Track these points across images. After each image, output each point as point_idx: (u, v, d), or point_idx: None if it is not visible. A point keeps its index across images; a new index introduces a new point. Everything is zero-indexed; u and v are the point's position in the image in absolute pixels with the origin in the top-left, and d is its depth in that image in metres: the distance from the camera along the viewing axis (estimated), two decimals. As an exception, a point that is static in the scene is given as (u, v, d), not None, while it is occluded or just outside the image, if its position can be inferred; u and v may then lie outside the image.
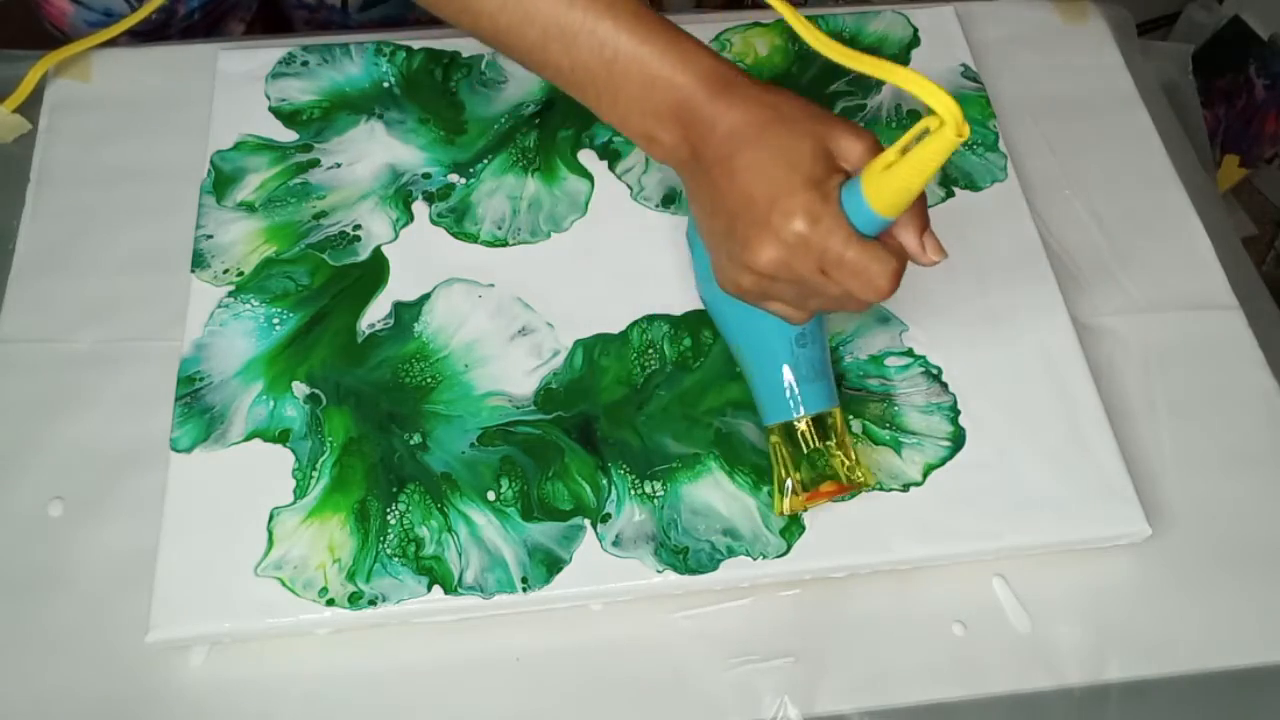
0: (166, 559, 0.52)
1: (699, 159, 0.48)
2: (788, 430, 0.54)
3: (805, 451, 0.53)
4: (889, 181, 0.44)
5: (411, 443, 0.56)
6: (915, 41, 0.73)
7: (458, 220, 0.64)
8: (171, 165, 0.66)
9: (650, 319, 0.60)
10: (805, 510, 0.54)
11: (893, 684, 0.52)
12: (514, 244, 0.63)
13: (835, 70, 0.71)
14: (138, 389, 0.58)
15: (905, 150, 0.43)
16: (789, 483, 0.53)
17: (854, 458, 0.54)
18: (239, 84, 0.68)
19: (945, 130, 0.42)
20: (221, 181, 0.64)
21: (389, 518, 0.53)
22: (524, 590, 0.52)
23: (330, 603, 0.51)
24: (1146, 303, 0.65)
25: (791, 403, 0.53)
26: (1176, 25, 1.49)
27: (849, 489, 0.54)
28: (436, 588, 0.52)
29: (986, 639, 0.54)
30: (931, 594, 0.55)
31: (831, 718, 0.51)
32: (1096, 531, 0.55)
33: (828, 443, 0.53)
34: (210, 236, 0.62)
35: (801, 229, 0.45)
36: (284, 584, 0.51)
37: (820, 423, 0.54)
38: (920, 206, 0.47)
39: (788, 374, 0.53)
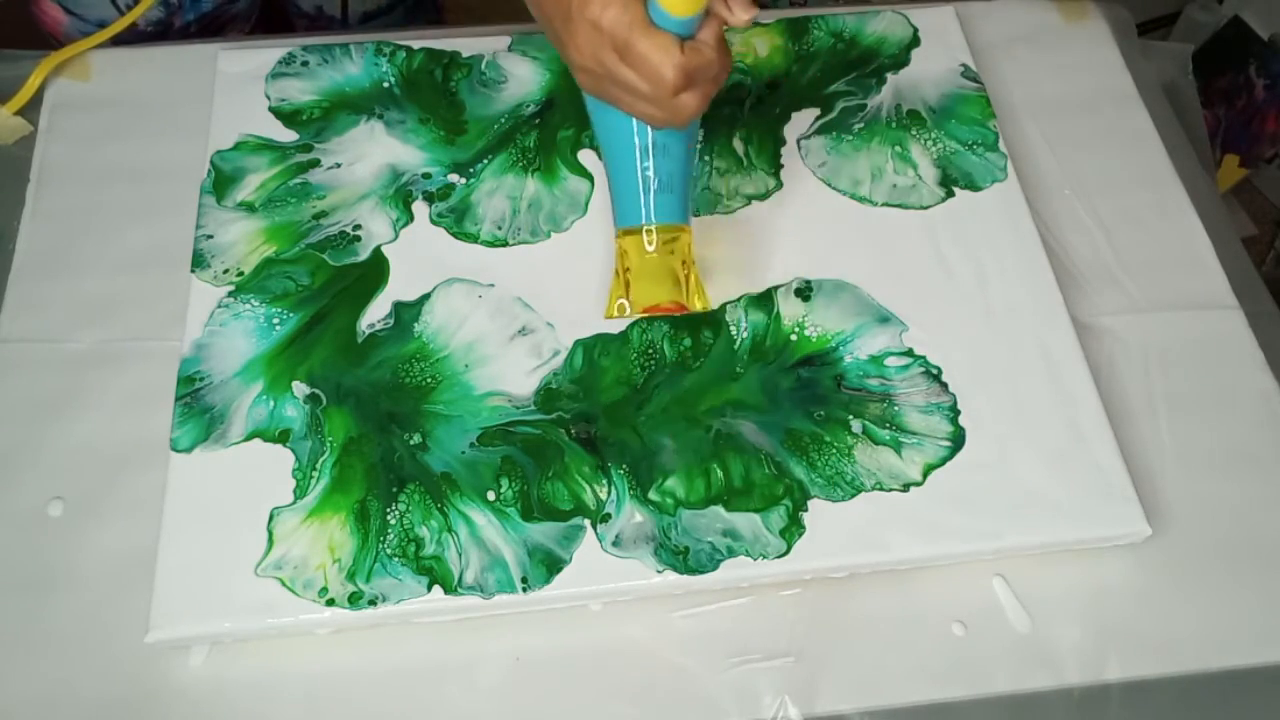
0: (166, 559, 0.52)
1: None
2: (633, 237, 0.55)
3: (645, 259, 0.55)
4: None
5: (411, 443, 0.56)
6: (915, 41, 0.73)
7: (458, 220, 0.64)
8: (171, 165, 0.66)
9: (650, 319, 0.60)
10: (629, 316, 0.56)
11: (893, 684, 0.52)
12: (514, 244, 0.63)
13: (835, 70, 0.71)
14: (138, 389, 0.58)
15: None
16: (624, 289, 0.55)
17: (694, 281, 0.55)
18: (239, 84, 0.68)
19: None
20: (221, 181, 0.64)
21: (389, 518, 0.53)
22: (524, 590, 0.52)
23: (330, 603, 0.51)
24: (1146, 303, 0.65)
25: (638, 209, 0.55)
26: (1176, 25, 1.48)
27: (683, 309, 0.55)
28: (436, 588, 0.52)
29: (986, 639, 0.54)
30: (931, 594, 0.55)
31: (831, 718, 0.51)
32: (1096, 531, 0.55)
33: (669, 256, 0.55)
34: (210, 236, 0.62)
35: (594, 15, 0.48)
36: (284, 584, 0.51)
37: (670, 237, 0.55)
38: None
39: (638, 180, 0.55)
